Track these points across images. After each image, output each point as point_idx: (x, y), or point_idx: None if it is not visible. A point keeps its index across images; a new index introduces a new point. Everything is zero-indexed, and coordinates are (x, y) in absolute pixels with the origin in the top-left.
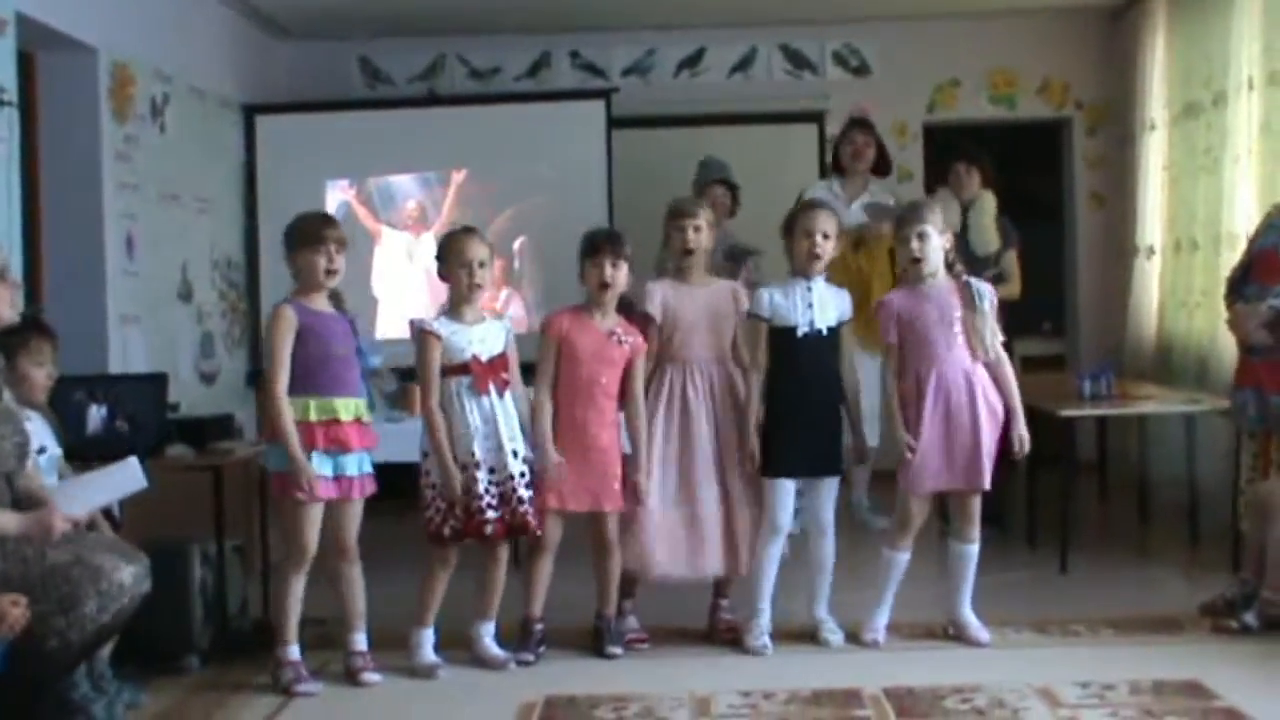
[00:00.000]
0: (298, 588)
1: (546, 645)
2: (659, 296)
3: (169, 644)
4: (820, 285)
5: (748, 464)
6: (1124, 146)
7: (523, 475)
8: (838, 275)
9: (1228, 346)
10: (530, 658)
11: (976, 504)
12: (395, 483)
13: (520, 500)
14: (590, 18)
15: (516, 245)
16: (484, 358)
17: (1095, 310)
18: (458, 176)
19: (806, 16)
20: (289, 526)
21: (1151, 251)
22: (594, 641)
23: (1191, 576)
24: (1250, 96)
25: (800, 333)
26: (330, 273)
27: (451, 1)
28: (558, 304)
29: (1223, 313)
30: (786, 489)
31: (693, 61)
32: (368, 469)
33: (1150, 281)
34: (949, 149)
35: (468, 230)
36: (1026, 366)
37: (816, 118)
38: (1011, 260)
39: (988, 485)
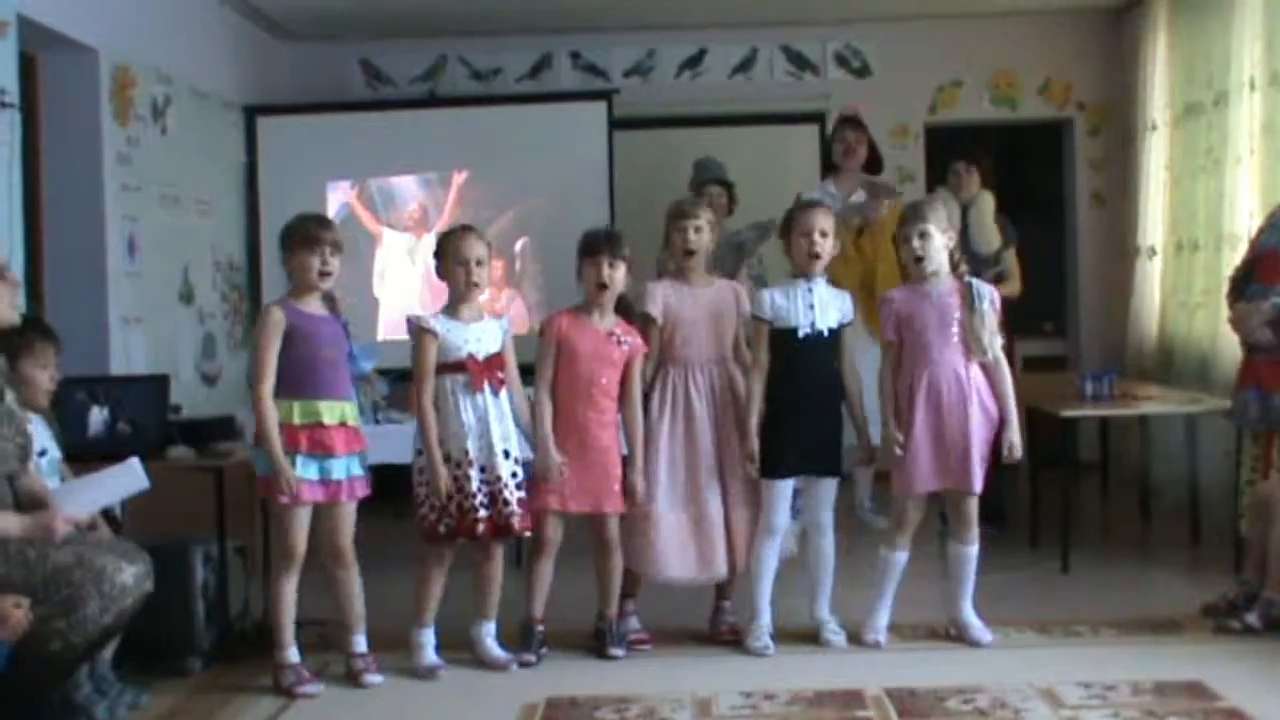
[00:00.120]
0: (289, 590)
1: (548, 646)
2: (660, 297)
3: (171, 645)
4: (821, 286)
5: (747, 464)
6: (1125, 147)
7: (514, 476)
8: (842, 264)
9: (1229, 347)
10: (532, 659)
11: (971, 505)
12: (395, 483)
13: (507, 501)
14: (591, 19)
15: (518, 246)
16: (480, 356)
17: (1097, 311)
18: (459, 178)
19: (808, 17)
20: (276, 529)
21: (1153, 252)
22: (596, 643)
23: (1193, 577)
24: (1252, 97)
25: (801, 334)
26: (324, 274)
27: (453, 3)
28: (560, 305)
29: (1224, 313)
30: (784, 490)
31: (694, 62)
32: (358, 471)
33: (1152, 282)
34: (951, 150)
35: (466, 229)
36: (1028, 367)
37: (818, 119)
38: (1011, 258)
39: (977, 488)
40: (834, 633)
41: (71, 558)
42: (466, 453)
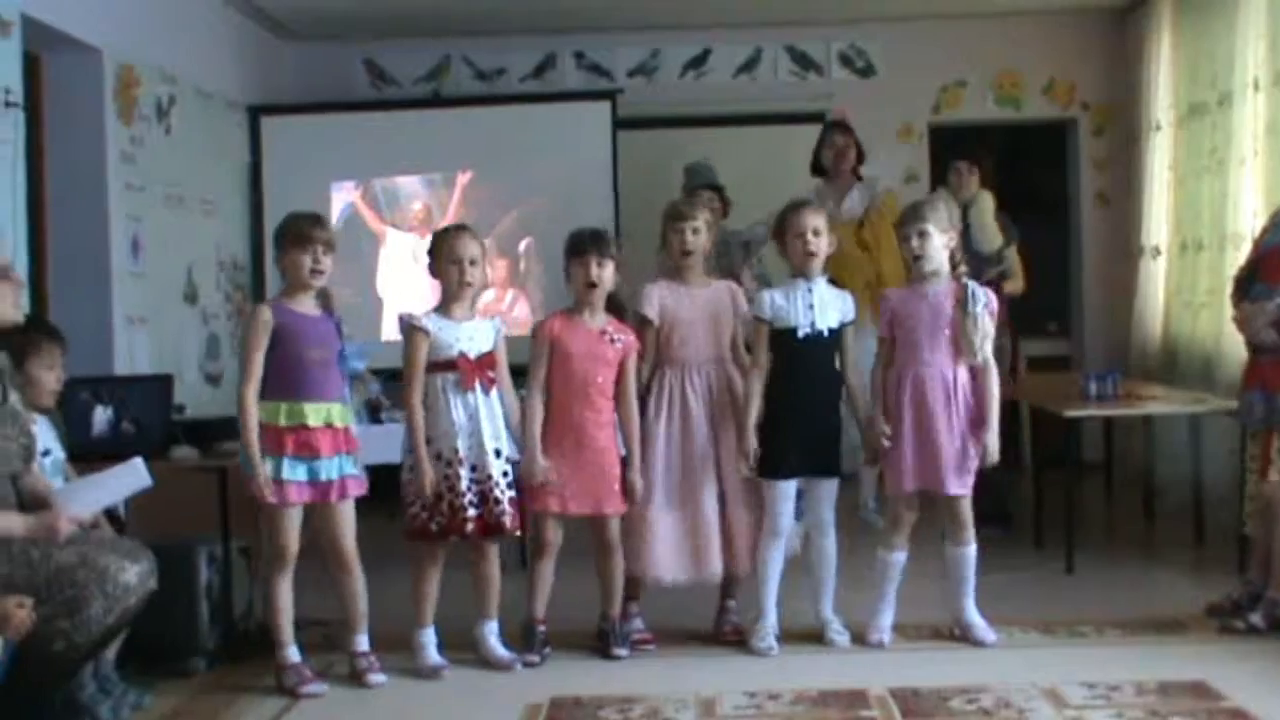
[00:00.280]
0: (284, 590)
1: (552, 647)
2: (656, 298)
3: (175, 646)
4: (822, 286)
5: (743, 464)
6: (1130, 147)
7: (505, 475)
8: (848, 264)
9: (1233, 347)
10: (535, 659)
11: (963, 506)
12: (390, 483)
13: (498, 500)
14: (595, 19)
15: (522, 246)
16: (472, 355)
17: (1101, 311)
18: (463, 178)
19: (812, 17)
20: (268, 529)
21: (1157, 252)
22: (600, 643)
23: (1198, 577)
24: (1256, 97)
25: (801, 334)
26: (316, 272)
27: (457, 3)
28: (564, 305)
29: (1229, 313)
30: (786, 491)
31: (698, 62)
32: (350, 471)
33: (1156, 282)
34: (955, 150)
35: (460, 228)
36: (1032, 367)
37: (822, 119)
38: (1014, 256)
39: (953, 490)
40: (838, 633)
41: (75, 557)
42: (456, 451)
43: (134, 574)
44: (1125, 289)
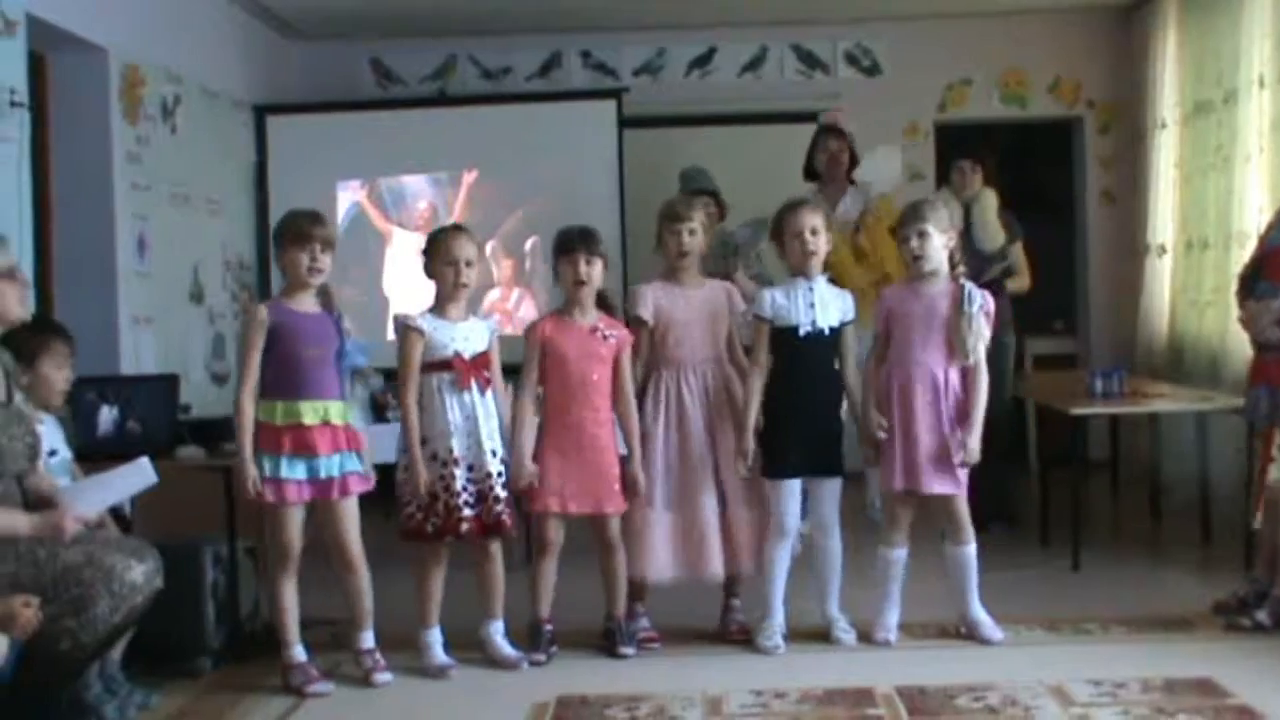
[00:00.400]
0: (289, 589)
1: (558, 646)
2: (650, 300)
3: (181, 645)
4: (822, 285)
5: (742, 464)
6: (1135, 145)
7: (500, 475)
8: (840, 264)
9: (1239, 344)
10: (542, 658)
11: (958, 505)
12: (385, 483)
13: (497, 499)
14: (601, 18)
15: (528, 245)
16: (467, 355)
17: (1107, 309)
18: (469, 177)
19: (818, 16)
20: (269, 528)
21: (1163, 250)
22: (606, 642)
23: (1204, 575)
24: (1261, 94)
25: (802, 333)
26: (314, 271)
27: (463, 2)
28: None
29: (1234, 311)
30: (791, 490)
31: (704, 61)
32: (352, 468)
33: (1162, 280)
34: (961, 148)
35: (456, 228)
36: (1038, 365)
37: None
38: (1018, 253)
39: (951, 489)
40: (844, 631)
41: (81, 556)
42: (451, 451)
43: (140, 573)
44: (1131, 287)
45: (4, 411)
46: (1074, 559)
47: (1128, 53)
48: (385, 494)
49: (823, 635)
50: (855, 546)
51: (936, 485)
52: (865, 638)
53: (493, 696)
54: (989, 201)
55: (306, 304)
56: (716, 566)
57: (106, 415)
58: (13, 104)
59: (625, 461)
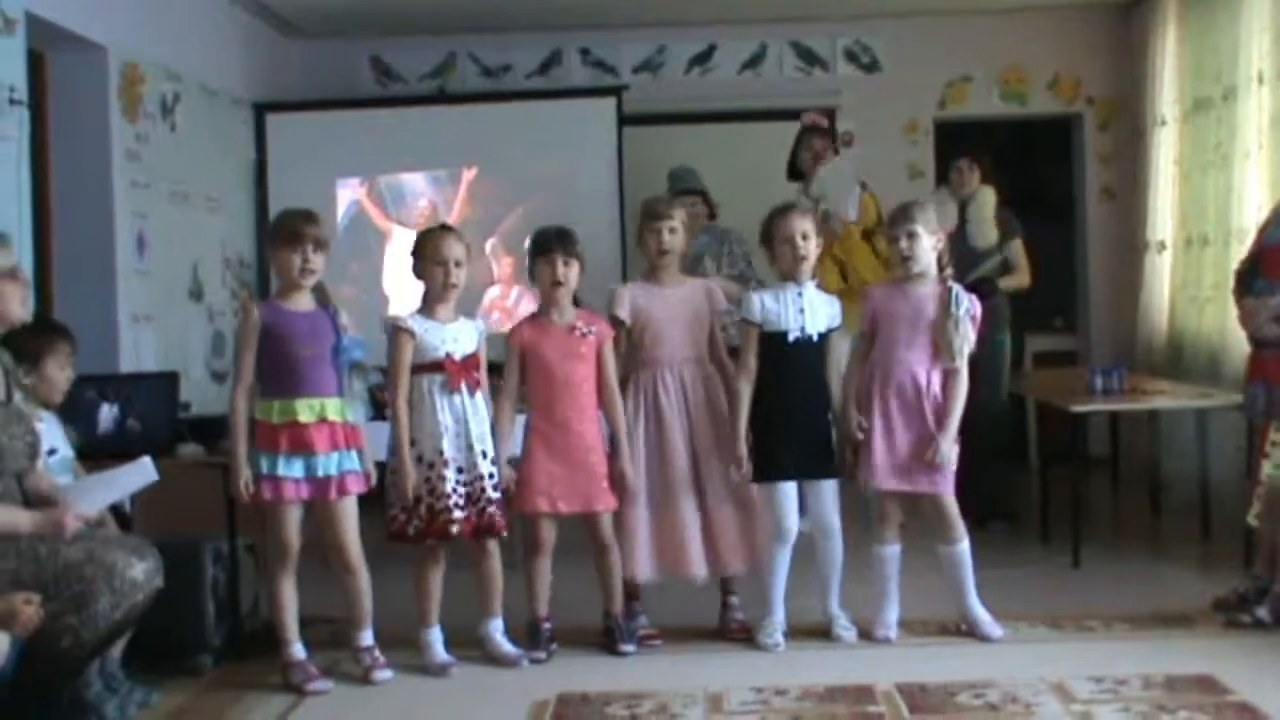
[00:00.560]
0: (288, 587)
1: (558, 644)
2: (628, 300)
3: (182, 643)
4: (811, 290)
5: (736, 470)
6: (1135, 142)
7: (491, 476)
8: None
9: (1239, 341)
10: (542, 655)
11: (944, 505)
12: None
13: (489, 500)
14: (601, 15)
15: (527, 243)
16: (457, 356)
17: (1106, 306)
18: (469, 174)
19: (817, 13)
20: (268, 527)
21: (1163, 246)
22: (606, 639)
23: (1204, 571)
24: (1260, 91)
25: (791, 337)
26: (306, 271)
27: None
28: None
29: (1233, 308)
30: (787, 492)
31: (703, 58)
32: (351, 467)
33: (1161, 277)
34: (961, 146)
35: (445, 228)
36: (1038, 362)
37: (828, 115)
38: (1018, 250)
39: (936, 488)
40: (845, 628)
41: (82, 554)
42: (441, 453)
43: (141, 570)
44: (1131, 284)
45: (3, 410)
46: (1074, 556)
47: (1127, 49)
48: (384, 493)
49: (823, 632)
50: (855, 544)
51: (918, 484)
52: (866, 635)
53: (493, 694)
54: (986, 199)
55: (302, 302)
56: (699, 568)
57: (106, 413)
58: (12, 102)
59: (613, 457)
